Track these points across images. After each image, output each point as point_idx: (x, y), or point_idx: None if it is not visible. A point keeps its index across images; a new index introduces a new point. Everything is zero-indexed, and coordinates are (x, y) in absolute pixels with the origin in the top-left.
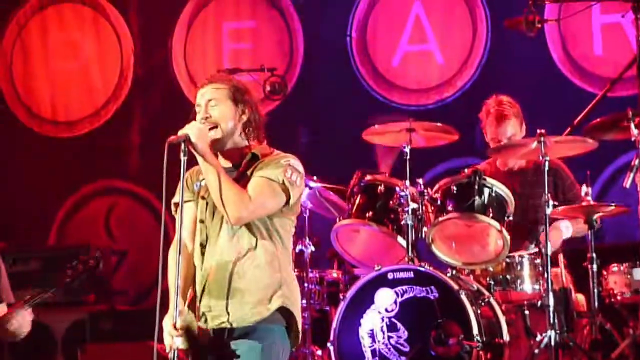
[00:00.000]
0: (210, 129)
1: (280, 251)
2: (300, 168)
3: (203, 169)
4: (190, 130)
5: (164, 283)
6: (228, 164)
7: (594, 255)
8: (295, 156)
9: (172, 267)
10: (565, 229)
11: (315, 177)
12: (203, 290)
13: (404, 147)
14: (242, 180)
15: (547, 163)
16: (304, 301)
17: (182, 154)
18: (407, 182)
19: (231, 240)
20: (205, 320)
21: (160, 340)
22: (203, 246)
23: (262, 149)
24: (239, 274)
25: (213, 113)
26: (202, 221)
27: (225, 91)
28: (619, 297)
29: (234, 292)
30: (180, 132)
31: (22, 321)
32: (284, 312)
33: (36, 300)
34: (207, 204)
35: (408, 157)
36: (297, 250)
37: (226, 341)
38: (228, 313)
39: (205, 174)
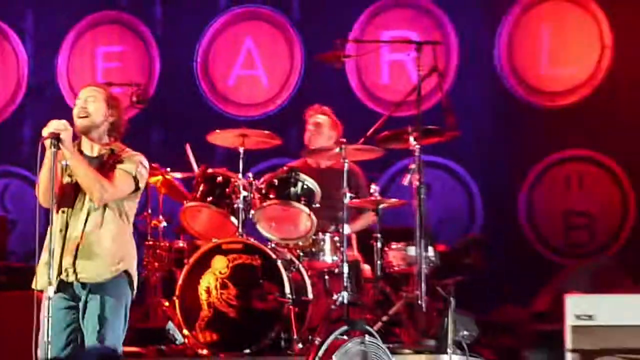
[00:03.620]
0: (82, 117)
1: (126, 228)
2: (147, 164)
3: (71, 163)
4: (64, 131)
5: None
6: (92, 154)
7: (379, 235)
8: (142, 154)
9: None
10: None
11: (168, 169)
12: (63, 250)
13: (239, 149)
14: (102, 169)
15: (346, 164)
16: (157, 264)
17: (52, 147)
18: (240, 175)
19: (93, 216)
20: (67, 275)
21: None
22: (65, 213)
23: (118, 146)
24: (99, 243)
25: (89, 106)
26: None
27: (102, 94)
28: (396, 268)
29: (95, 255)
30: (50, 130)
31: None
32: (127, 274)
33: None
34: (71, 182)
35: (242, 156)
36: (152, 225)
37: (86, 292)
38: (89, 271)
39: (73, 167)
